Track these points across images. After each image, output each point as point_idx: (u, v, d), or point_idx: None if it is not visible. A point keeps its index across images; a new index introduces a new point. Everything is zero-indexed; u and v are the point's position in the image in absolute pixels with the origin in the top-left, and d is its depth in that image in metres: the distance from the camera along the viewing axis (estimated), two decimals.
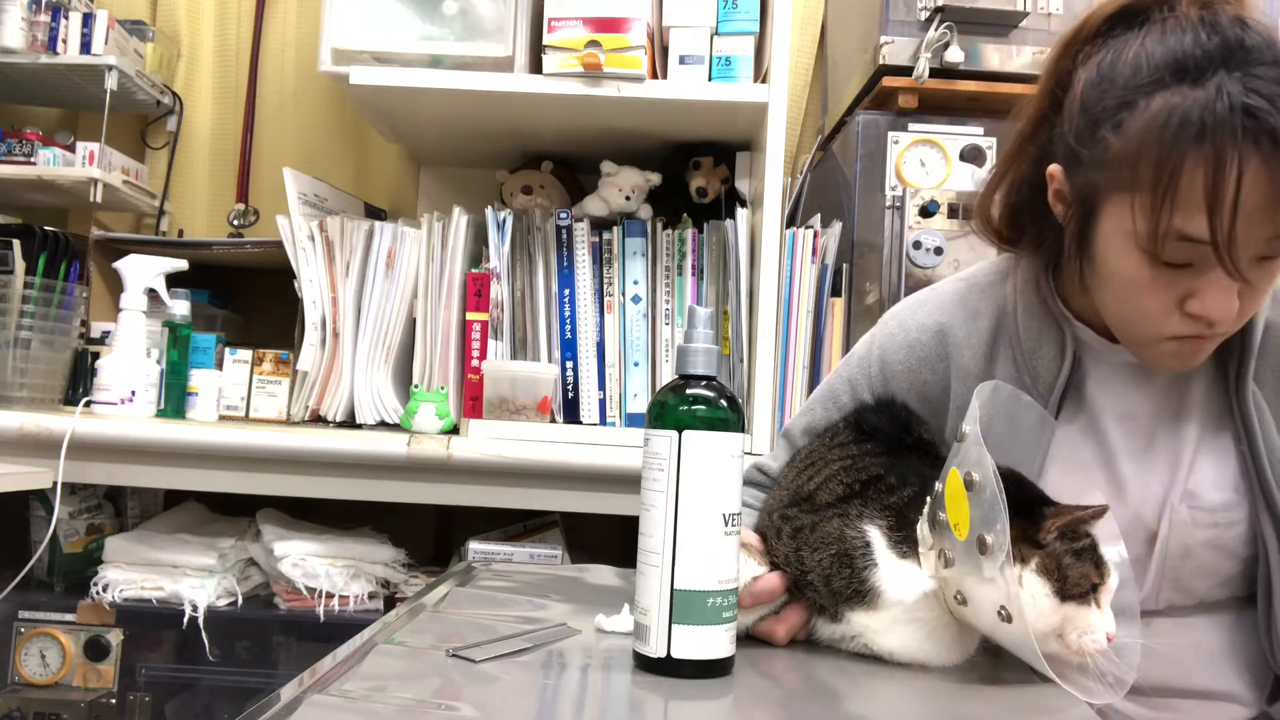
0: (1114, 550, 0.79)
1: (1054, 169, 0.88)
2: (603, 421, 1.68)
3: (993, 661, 0.82)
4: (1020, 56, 1.59)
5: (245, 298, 2.12)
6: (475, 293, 1.68)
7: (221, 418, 1.73)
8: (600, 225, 1.72)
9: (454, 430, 1.61)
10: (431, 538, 1.95)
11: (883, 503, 0.83)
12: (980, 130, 1.59)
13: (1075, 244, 0.87)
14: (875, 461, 0.88)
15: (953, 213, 1.56)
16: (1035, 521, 0.77)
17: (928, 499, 0.80)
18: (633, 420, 1.68)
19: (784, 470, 1.00)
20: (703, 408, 0.75)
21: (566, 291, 1.69)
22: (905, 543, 0.80)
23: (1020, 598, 0.73)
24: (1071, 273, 0.92)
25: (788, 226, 1.65)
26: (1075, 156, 0.85)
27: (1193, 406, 0.94)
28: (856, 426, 0.96)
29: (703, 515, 0.74)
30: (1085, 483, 0.92)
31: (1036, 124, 0.91)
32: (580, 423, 1.67)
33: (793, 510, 0.87)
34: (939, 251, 1.55)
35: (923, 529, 0.80)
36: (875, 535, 0.81)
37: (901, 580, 0.79)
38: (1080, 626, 0.75)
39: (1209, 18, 0.79)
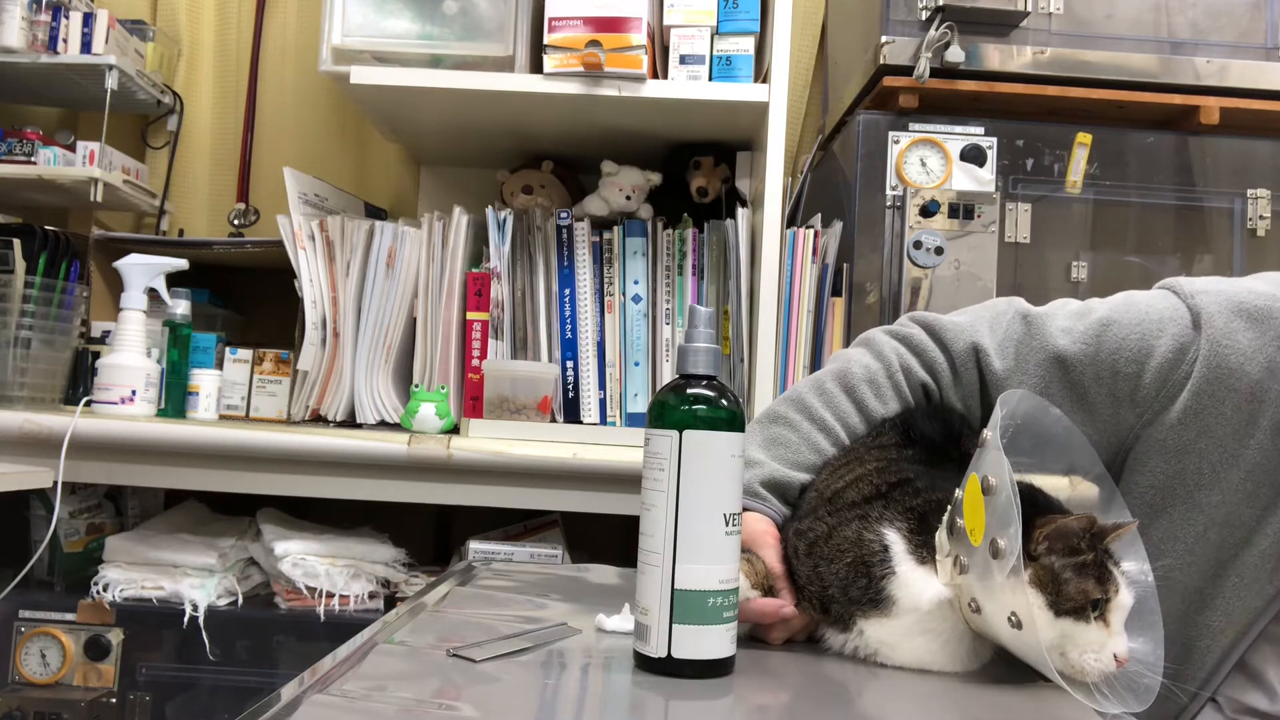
0: (1138, 569, 0.78)
1: None
2: (603, 421, 1.68)
3: (1002, 666, 0.81)
4: (1021, 56, 1.59)
5: (245, 298, 2.12)
6: (475, 292, 1.68)
7: (222, 417, 1.73)
8: (601, 225, 1.72)
9: (454, 430, 1.61)
10: (431, 538, 1.95)
11: (906, 505, 0.82)
12: (981, 130, 1.59)
13: None
14: (909, 466, 0.87)
15: (953, 212, 1.56)
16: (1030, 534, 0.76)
17: (948, 506, 0.80)
18: (633, 420, 1.68)
19: (821, 470, 0.95)
20: (703, 407, 0.75)
21: (567, 291, 1.69)
22: (925, 547, 0.79)
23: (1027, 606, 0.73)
24: None
25: (788, 226, 1.65)
26: None
27: None
28: (904, 430, 0.94)
29: (703, 515, 0.74)
30: None
31: None
32: (580, 422, 1.67)
33: (806, 521, 0.86)
34: (939, 251, 1.55)
35: (941, 536, 0.79)
36: (894, 539, 0.80)
37: (917, 587, 0.78)
38: (1081, 644, 0.74)
39: None
